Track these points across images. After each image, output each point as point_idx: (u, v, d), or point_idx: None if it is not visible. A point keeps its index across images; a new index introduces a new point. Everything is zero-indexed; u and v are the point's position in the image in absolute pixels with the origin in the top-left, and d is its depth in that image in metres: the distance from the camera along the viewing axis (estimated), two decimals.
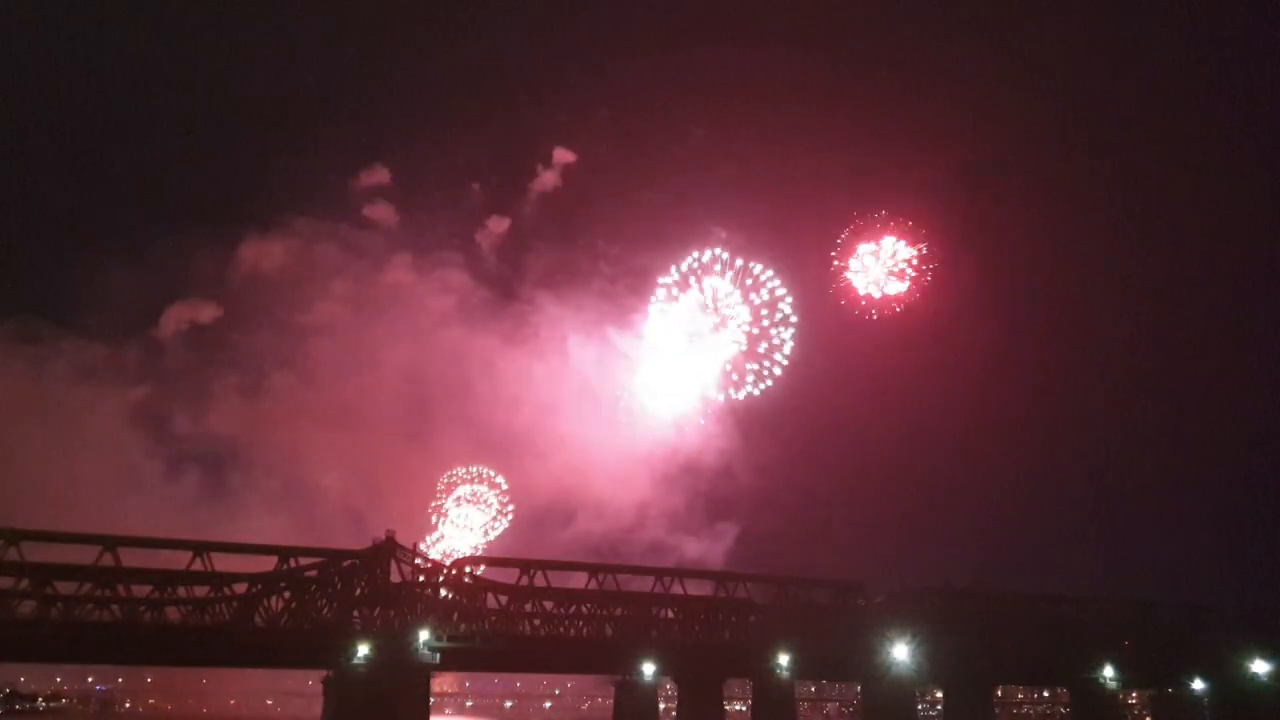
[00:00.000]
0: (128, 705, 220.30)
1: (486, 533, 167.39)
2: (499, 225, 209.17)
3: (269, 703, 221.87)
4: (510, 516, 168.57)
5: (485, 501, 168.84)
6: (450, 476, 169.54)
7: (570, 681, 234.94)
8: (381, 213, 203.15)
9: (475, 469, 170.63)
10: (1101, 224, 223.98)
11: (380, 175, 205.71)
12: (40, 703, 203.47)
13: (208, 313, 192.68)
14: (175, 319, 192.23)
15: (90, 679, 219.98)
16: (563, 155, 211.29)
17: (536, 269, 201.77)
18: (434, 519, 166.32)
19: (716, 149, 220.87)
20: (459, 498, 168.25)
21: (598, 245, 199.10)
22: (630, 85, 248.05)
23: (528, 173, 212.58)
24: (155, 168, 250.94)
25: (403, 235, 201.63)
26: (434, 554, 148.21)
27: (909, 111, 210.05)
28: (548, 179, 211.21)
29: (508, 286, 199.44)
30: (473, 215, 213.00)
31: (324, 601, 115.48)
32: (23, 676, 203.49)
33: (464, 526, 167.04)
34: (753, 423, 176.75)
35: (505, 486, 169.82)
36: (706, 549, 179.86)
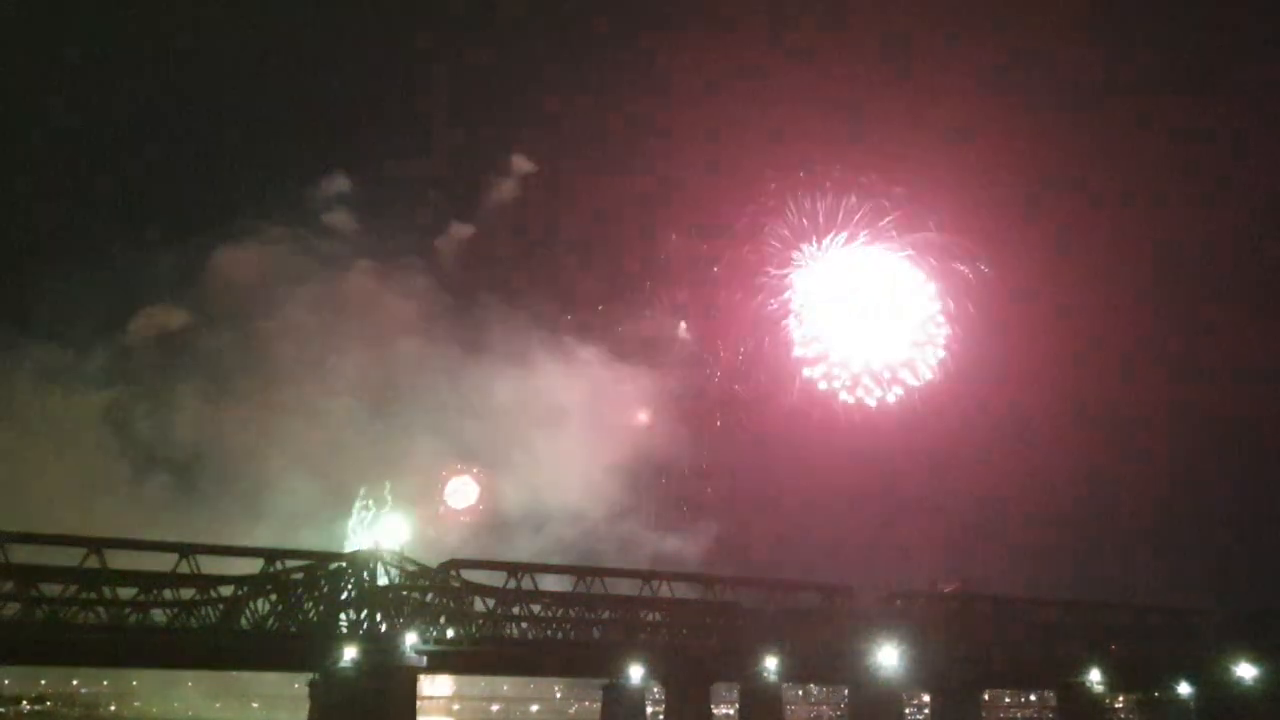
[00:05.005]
0: (113, 708, 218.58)
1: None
2: (460, 232, 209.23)
3: (254, 706, 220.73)
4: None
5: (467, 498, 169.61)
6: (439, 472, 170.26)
7: (557, 685, 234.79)
8: (342, 220, 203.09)
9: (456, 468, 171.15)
10: (1091, 230, 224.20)
11: (340, 183, 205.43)
12: (24, 706, 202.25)
13: (175, 318, 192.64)
14: (143, 324, 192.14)
15: (75, 682, 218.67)
16: (521, 163, 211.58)
17: (498, 276, 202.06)
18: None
19: (681, 158, 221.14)
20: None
21: (558, 253, 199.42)
22: (591, 93, 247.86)
23: (487, 181, 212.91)
24: (121, 174, 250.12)
25: (363, 242, 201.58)
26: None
27: (901, 120, 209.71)
28: (507, 187, 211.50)
29: (470, 293, 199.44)
30: (433, 222, 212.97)
31: (310, 604, 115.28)
32: (6, 679, 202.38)
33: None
34: (731, 421, 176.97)
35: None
36: (684, 549, 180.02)
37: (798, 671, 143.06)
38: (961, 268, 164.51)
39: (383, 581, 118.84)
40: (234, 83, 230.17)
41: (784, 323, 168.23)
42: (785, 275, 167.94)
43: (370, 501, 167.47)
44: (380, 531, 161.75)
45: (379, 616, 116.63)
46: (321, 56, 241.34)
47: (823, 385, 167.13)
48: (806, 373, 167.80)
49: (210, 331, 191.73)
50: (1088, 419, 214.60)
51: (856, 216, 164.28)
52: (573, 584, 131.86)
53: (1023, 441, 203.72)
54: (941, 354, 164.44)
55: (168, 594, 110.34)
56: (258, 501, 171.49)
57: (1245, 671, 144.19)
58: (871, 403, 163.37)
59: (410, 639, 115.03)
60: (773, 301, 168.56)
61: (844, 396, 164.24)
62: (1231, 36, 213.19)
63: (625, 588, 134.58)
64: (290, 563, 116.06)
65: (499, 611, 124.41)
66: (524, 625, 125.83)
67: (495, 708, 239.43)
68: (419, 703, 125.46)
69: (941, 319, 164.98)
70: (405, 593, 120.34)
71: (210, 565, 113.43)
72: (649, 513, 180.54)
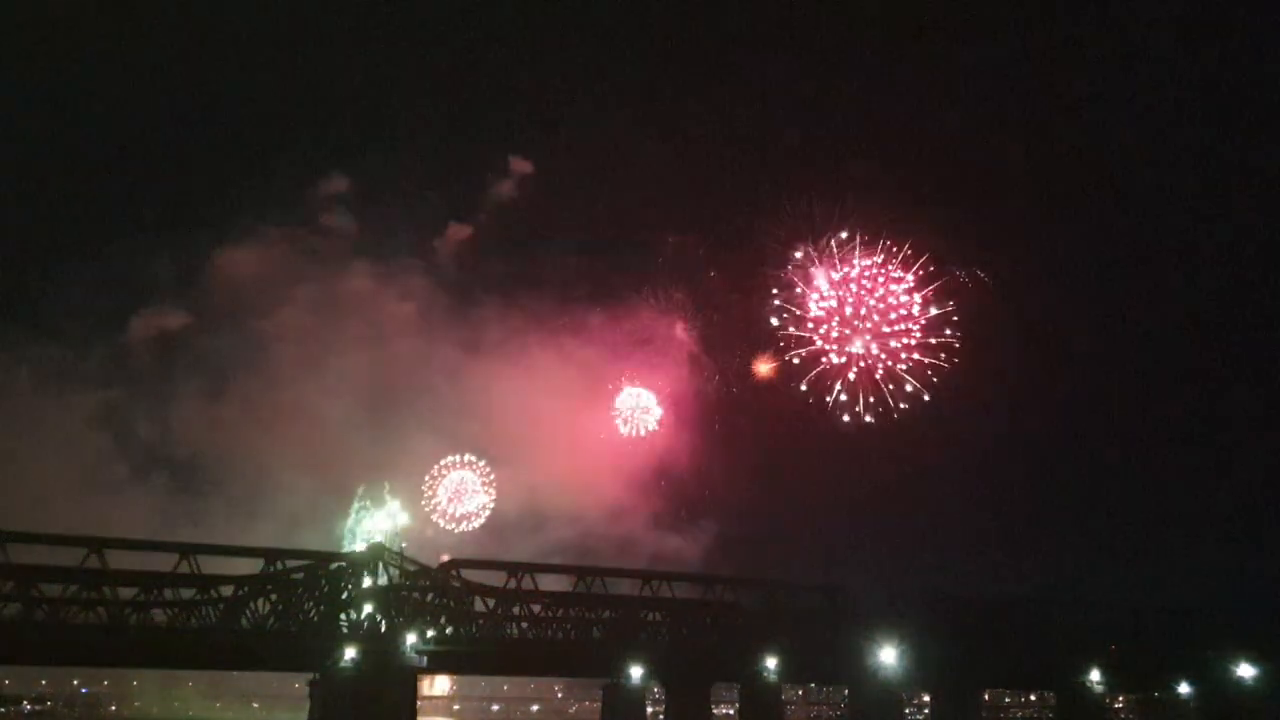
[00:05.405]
0: (113, 708, 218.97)
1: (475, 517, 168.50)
2: (459, 233, 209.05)
3: (254, 706, 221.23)
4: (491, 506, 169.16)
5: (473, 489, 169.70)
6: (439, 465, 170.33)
7: (558, 685, 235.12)
8: (340, 221, 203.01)
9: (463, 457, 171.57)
10: (1092, 228, 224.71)
11: (339, 184, 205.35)
12: (25, 705, 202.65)
13: (175, 318, 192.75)
14: (142, 324, 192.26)
15: (75, 682, 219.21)
16: (519, 165, 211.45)
17: (496, 277, 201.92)
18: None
19: (677, 159, 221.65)
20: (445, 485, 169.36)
21: (555, 255, 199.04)
22: (589, 94, 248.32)
23: (485, 182, 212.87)
24: (120, 175, 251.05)
25: (362, 242, 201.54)
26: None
27: (893, 122, 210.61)
28: (504, 188, 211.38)
29: (468, 293, 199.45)
30: (431, 223, 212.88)
31: (311, 604, 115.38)
32: (7, 679, 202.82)
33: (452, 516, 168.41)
34: (730, 424, 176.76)
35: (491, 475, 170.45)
36: (684, 549, 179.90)
37: (797, 672, 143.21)
38: (959, 273, 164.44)
39: (383, 581, 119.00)
40: (234, 83, 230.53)
41: (781, 323, 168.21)
42: (782, 276, 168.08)
43: (368, 501, 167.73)
44: (377, 530, 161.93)
45: (379, 616, 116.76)
46: (321, 56, 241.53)
47: (809, 397, 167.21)
48: (803, 378, 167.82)
49: (210, 331, 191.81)
50: (1087, 419, 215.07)
51: (853, 218, 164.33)
52: (572, 584, 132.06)
53: (1022, 443, 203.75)
54: (942, 355, 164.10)
55: (168, 594, 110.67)
56: (258, 501, 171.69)
57: (1245, 671, 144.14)
58: (869, 418, 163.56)
59: (410, 639, 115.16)
60: (770, 302, 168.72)
61: (844, 417, 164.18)
62: (1232, 38, 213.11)
63: (625, 588, 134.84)
64: (290, 563, 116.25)
65: (499, 611, 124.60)
66: (524, 625, 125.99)
67: (495, 707, 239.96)
68: (419, 702, 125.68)
69: (940, 322, 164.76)
70: (405, 593, 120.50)
71: (211, 565, 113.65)
72: (648, 513, 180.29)
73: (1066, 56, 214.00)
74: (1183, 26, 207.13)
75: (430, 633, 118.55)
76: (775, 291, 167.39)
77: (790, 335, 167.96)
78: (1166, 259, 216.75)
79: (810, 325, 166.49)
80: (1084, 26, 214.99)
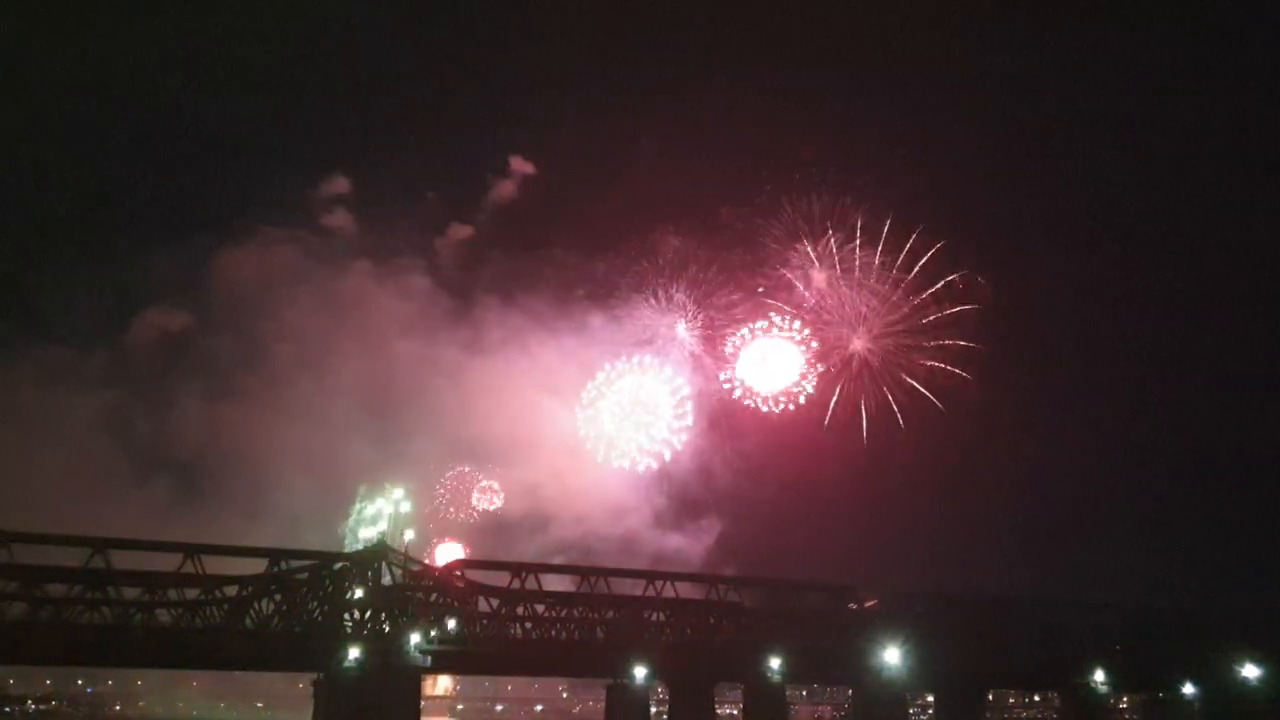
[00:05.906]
0: (118, 708, 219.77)
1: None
2: (459, 233, 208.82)
3: (259, 705, 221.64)
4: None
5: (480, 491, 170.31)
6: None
7: (561, 685, 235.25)
8: (340, 221, 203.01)
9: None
10: (1093, 228, 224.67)
11: (339, 185, 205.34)
12: (30, 705, 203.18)
13: (176, 319, 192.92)
14: (144, 325, 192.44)
15: (80, 681, 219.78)
16: (520, 165, 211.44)
17: (496, 277, 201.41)
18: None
19: (677, 159, 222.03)
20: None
21: (556, 254, 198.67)
22: (589, 95, 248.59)
23: (486, 182, 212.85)
24: (120, 175, 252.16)
25: (362, 243, 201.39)
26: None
27: (893, 122, 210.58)
28: (505, 189, 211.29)
29: (469, 293, 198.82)
30: (432, 223, 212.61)
31: (315, 604, 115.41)
32: (11, 679, 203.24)
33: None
34: (732, 423, 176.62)
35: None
36: (686, 548, 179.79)
37: (801, 671, 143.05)
38: (958, 277, 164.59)
39: (387, 581, 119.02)
40: (234, 83, 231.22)
41: (781, 322, 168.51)
42: (782, 275, 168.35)
43: (368, 502, 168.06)
44: (382, 516, 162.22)
45: (383, 616, 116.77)
46: (321, 57, 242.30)
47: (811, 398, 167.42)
48: (803, 377, 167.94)
49: (211, 332, 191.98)
50: (1089, 420, 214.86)
51: (854, 220, 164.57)
52: (576, 584, 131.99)
53: (1027, 443, 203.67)
54: (944, 359, 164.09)
55: (172, 594, 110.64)
56: (259, 501, 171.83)
57: (1250, 672, 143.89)
58: (864, 433, 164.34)
59: (414, 639, 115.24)
60: (770, 301, 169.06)
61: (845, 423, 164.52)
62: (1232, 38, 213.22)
63: (629, 587, 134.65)
64: (294, 563, 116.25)
65: (503, 611, 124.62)
66: (528, 625, 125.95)
67: (499, 707, 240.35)
68: (422, 702, 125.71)
69: (941, 325, 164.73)
70: (409, 593, 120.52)
71: (215, 565, 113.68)
72: (651, 512, 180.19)
73: (1068, 56, 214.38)
74: (1183, 26, 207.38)
75: (434, 633, 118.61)
76: (761, 290, 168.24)
77: (790, 336, 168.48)
78: (1168, 258, 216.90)
79: (807, 327, 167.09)
80: (1088, 28, 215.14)
